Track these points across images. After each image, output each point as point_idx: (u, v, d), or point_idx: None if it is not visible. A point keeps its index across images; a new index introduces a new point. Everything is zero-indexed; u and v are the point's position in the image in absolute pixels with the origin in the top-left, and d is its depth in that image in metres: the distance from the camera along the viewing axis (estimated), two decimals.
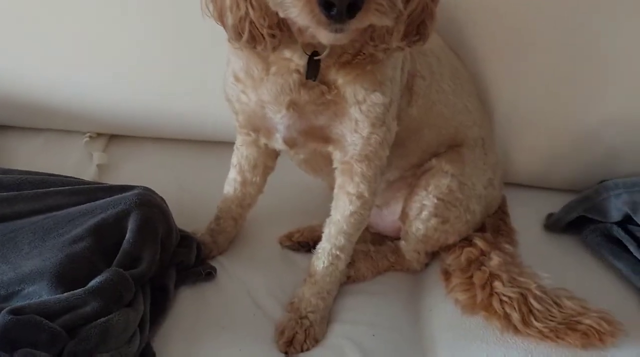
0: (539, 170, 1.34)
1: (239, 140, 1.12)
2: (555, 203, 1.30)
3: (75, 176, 1.16)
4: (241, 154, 1.12)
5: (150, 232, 0.99)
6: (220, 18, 0.83)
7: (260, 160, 1.13)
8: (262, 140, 1.04)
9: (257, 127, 1.01)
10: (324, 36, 0.76)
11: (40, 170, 1.14)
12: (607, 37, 1.18)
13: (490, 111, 1.27)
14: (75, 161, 1.34)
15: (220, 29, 0.85)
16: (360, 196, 1.00)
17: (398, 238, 1.17)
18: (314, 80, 0.89)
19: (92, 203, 1.02)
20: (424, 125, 1.09)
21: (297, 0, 0.69)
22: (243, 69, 0.94)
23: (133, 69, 1.31)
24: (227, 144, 1.22)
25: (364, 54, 0.88)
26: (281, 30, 0.82)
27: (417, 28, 0.83)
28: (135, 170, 1.33)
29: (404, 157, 1.11)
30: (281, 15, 0.76)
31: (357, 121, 0.93)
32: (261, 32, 0.81)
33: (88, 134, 1.39)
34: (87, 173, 1.29)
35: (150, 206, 1.02)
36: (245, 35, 0.81)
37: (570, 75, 1.23)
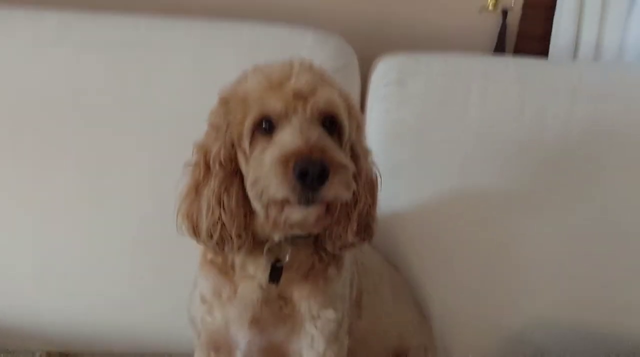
0: None
1: None
2: None
3: None
4: None
5: None
6: (196, 228, 0.94)
7: None
8: None
9: (219, 345, 1.07)
10: (297, 212, 0.86)
11: None
12: (518, 246, 1.36)
13: (428, 316, 1.39)
14: None
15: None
16: None
17: None
18: (277, 284, 0.98)
19: None
20: (371, 335, 1.19)
21: (276, 175, 0.82)
22: (211, 290, 1.02)
23: (86, 284, 1.35)
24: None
25: (316, 269, 1.00)
26: (246, 231, 0.94)
27: (364, 228, 0.99)
28: None
29: None
30: (257, 206, 0.88)
31: (313, 337, 1.01)
32: (230, 233, 0.93)
33: (39, 354, 1.37)
34: None
35: None
36: (216, 236, 0.93)
37: (494, 282, 1.38)
